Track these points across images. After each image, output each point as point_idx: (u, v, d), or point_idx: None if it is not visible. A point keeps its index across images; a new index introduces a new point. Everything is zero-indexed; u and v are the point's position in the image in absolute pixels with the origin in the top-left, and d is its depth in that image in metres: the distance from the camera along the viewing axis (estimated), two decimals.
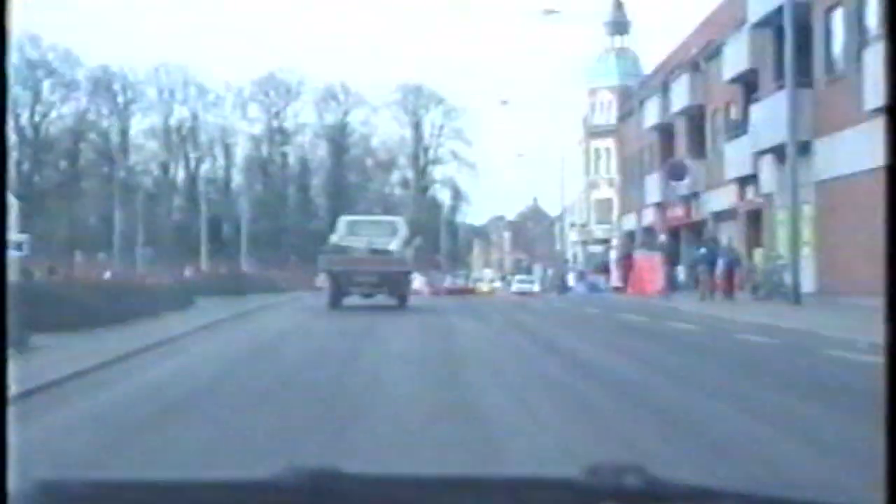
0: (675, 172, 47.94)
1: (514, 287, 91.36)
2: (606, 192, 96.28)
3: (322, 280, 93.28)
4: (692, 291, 44.71)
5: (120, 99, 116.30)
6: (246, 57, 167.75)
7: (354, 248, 31.27)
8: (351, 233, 32.78)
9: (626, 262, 56.48)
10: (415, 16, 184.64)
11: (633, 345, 20.72)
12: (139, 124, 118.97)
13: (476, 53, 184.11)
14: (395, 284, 31.76)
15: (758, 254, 43.07)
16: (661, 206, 61.14)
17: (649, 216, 62.31)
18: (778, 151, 36.99)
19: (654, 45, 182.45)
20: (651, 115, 61.57)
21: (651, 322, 28.12)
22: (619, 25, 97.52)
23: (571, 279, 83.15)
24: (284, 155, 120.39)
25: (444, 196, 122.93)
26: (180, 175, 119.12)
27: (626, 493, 1.63)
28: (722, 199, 50.56)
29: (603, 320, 30.30)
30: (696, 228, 55.14)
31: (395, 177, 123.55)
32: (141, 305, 26.83)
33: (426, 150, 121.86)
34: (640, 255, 49.16)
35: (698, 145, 55.28)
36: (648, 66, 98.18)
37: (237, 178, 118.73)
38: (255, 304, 37.91)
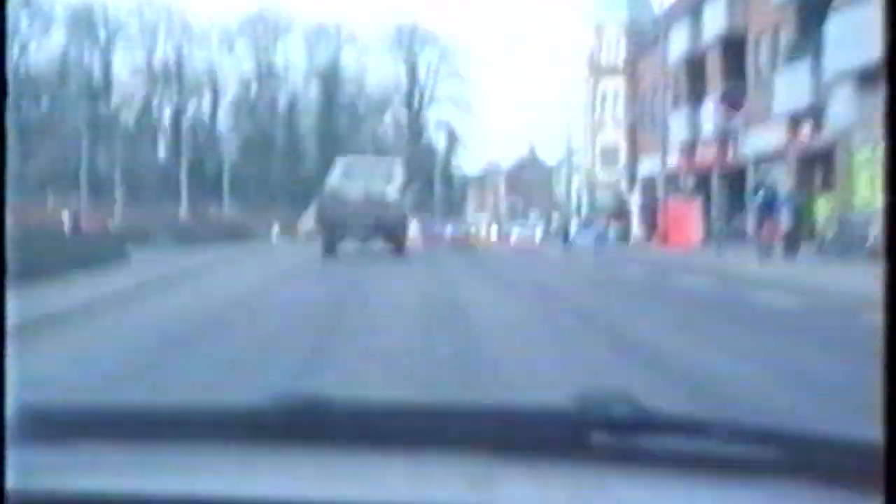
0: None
1: (514, 236, 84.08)
2: (612, 135, 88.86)
3: (306, 225, 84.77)
4: (733, 244, 37.94)
5: (102, 34, 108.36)
6: None
7: (350, 193, 30.33)
8: (347, 174, 31.73)
9: (656, 209, 49.26)
10: None
11: (757, 341, 12.95)
12: (122, 61, 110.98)
13: None
14: (392, 230, 30.77)
15: (822, 203, 35.73)
16: (686, 148, 53.74)
17: (673, 159, 54.81)
18: (862, 76, 29.53)
19: None
20: (678, 44, 53.94)
21: (726, 291, 20.71)
22: None
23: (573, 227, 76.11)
24: (273, 95, 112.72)
25: (439, 140, 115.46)
26: (165, 115, 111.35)
27: (615, 423, 1.62)
28: (767, 138, 43.15)
29: (660, 287, 22.81)
30: (733, 173, 47.81)
31: (389, 119, 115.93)
32: (59, 260, 19.66)
33: (421, 91, 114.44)
34: (674, 203, 41.79)
35: (737, 76, 47.79)
36: (660, 1, 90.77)
37: (223, 119, 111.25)
38: (212, 255, 30.58)
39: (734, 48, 48.25)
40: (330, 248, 31.02)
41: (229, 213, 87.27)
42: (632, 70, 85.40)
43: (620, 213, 61.88)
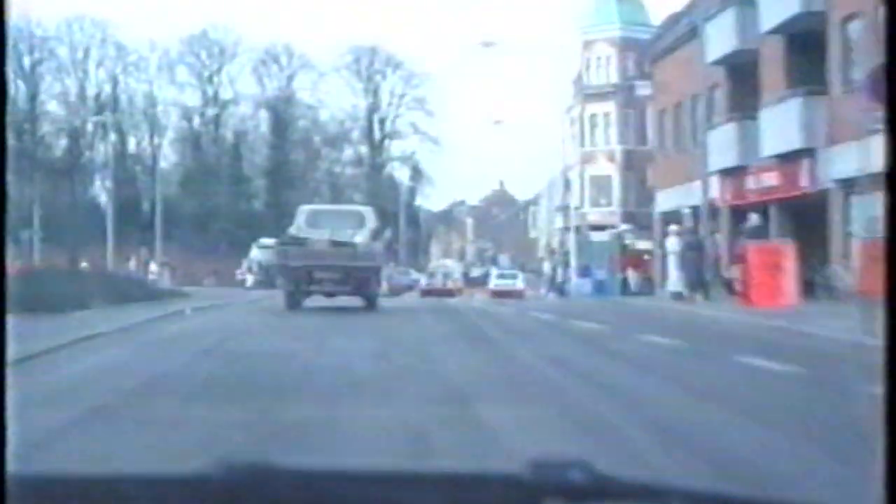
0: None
1: (494, 284, 70.72)
2: (605, 167, 75.74)
3: (246, 274, 70.17)
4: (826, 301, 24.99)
5: (27, 60, 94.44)
6: (173, 10, 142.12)
7: (315, 241, 27.37)
8: (312, 224, 28.49)
9: (715, 254, 36.05)
10: None
11: None
12: (50, 89, 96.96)
13: (440, 5, 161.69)
14: (362, 282, 27.79)
15: None
16: (735, 174, 40.45)
17: (712, 187, 41.35)
18: None
19: None
20: (720, 41, 40.25)
21: None
22: None
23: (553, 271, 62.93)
24: (218, 127, 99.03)
25: (402, 176, 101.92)
26: (97, 148, 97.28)
27: (570, 489, 1.58)
28: (855, 158, 29.52)
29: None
30: (807, 205, 34.58)
31: (347, 153, 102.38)
32: None
33: (382, 122, 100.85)
34: (757, 247, 28.23)
35: (810, 75, 34.42)
36: (657, 15, 77.64)
37: (162, 154, 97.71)
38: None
39: (806, 38, 34.90)
40: (294, 303, 28.20)
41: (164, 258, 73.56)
42: (628, 94, 72.45)
43: (639, 258, 48.50)
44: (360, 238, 27.94)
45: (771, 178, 37.15)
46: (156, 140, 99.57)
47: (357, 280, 27.71)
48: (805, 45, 34.92)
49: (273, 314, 26.64)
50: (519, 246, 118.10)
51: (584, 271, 60.32)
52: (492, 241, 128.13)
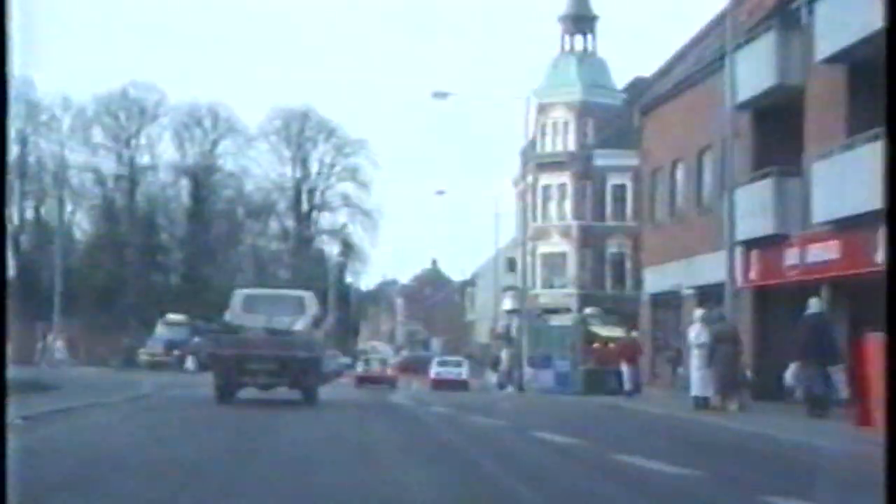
0: None
1: (435, 371, 61.36)
2: (559, 244, 66.85)
3: (148, 352, 60.12)
4: None
5: None
6: (89, 67, 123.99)
7: (249, 328, 25.34)
8: (248, 309, 26.00)
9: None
10: (303, 22, 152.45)
11: None
12: None
13: (380, 64, 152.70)
14: (300, 375, 25.11)
15: None
16: (764, 245, 31.51)
17: (729, 262, 32.08)
18: None
19: (622, 50, 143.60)
20: (750, 76, 31.08)
21: None
22: (582, 21, 68.39)
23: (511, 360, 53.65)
24: (133, 195, 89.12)
25: (331, 251, 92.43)
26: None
27: None
28: None
29: None
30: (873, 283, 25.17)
31: (272, 226, 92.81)
32: None
33: (311, 192, 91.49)
34: (873, 339, 18.99)
35: (879, 116, 25.30)
36: (620, 78, 69.48)
37: (71, 223, 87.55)
38: None
39: (869, 67, 25.94)
40: (225, 395, 25.19)
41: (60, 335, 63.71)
42: (586, 164, 64.00)
43: (633, 350, 39.30)
44: (300, 326, 26.12)
45: (826, 251, 28.18)
46: (68, 206, 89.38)
47: (295, 372, 25.45)
48: (873, 78, 26.04)
49: (167, 422, 17.68)
50: (453, 329, 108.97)
51: (544, 362, 51.08)
52: (423, 324, 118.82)
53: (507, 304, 72.94)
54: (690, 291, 35.97)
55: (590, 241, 66.37)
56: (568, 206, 66.85)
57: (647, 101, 43.08)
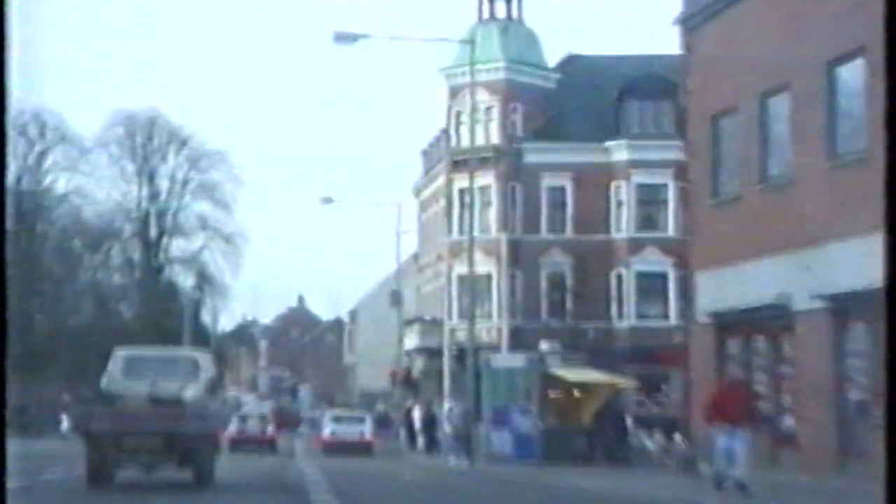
0: None
1: (329, 430, 45.80)
2: (480, 263, 51.64)
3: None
4: None
5: None
6: None
7: (129, 397, 22.10)
8: (129, 374, 22.76)
9: None
10: (149, 8, 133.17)
11: None
12: None
13: (242, 63, 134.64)
14: (192, 452, 22.04)
15: None
16: None
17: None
18: None
19: (555, 19, 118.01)
20: None
21: None
22: None
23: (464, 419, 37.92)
24: None
25: (185, 283, 75.87)
26: None
27: None
28: None
29: None
30: None
31: (115, 256, 75.82)
32: None
33: (161, 215, 74.84)
34: None
35: None
36: (553, 54, 55.14)
37: None
38: None
39: None
40: (99, 477, 21.95)
41: None
42: (515, 161, 49.45)
43: (747, 398, 23.85)
44: (192, 393, 22.56)
45: None
46: None
47: (185, 449, 22.09)
48: None
49: None
50: (325, 375, 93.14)
51: (498, 418, 35.87)
52: (290, 369, 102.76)
53: (412, 340, 57.45)
54: (816, 304, 20.98)
55: (521, 259, 51.40)
56: (492, 214, 51.81)
57: (692, 14, 27.53)
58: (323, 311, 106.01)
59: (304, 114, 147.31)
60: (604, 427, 39.18)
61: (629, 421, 40.39)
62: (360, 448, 44.38)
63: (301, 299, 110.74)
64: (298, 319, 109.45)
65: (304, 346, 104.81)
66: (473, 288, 51.33)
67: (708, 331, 27.00)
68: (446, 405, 38.78)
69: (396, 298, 79.20)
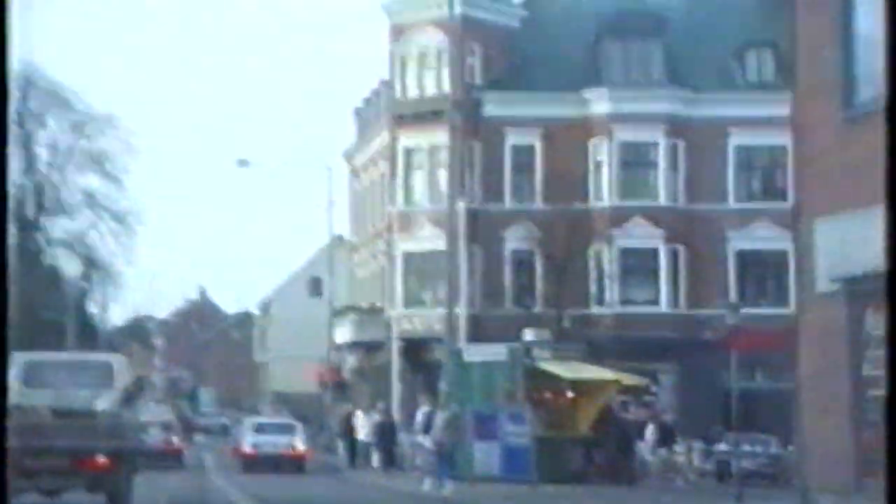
0: None
1: (251, 441, 37.26)
2: (432, 237, 43.41)
3: None
4: None
5: None
6: None
7: (32, 412, 19.88)
8: (31, 382, 20.80)
9: None
10: None
11: None
12: None
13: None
14: (104, 475, 19.95)
15: None
16: None
17: None
18: None
19: None
20: None
21: None
22: None
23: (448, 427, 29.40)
24: None
25: (69, 269, 66.54)
26: None
27: None
28: None
29: None
30: None
31: None
32: None
33: (39, 189, 65.57)
34: None
35: None
36: None
37: None
38: None
39: None
40: None
41: None
42: (472, 114, 41.49)
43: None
44: (105, 403, 20.51)
45: None
46: None
47: (96, 470, 20.06)
48: None
49: None
50: (231, 375, 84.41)
51: (486, 426, 27.62)
52: (189, 369, 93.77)
53: (344, 334, 48.76)
54: None
55: (481, 233, 43.15)
56: (445, 179, 43.48)
57: None
58: (228, 303, 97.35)
59: (210, 67, 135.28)
60: (604, 436, 31.27)
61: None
62: (291, 463, 36.69)
63: (203, 291, 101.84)
64: (200, 313, 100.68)
65: (207, 344, 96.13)
66: (421, 269, 43.11)
67: (833, 304, 18.79)
68: (420, 411, 30.07)
69: (316, 287, 70.63)
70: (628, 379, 32.95)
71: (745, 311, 43.50)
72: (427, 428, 26.49)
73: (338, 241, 67.84)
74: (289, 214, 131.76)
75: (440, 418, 25.18)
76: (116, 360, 23.72)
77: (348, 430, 36.59)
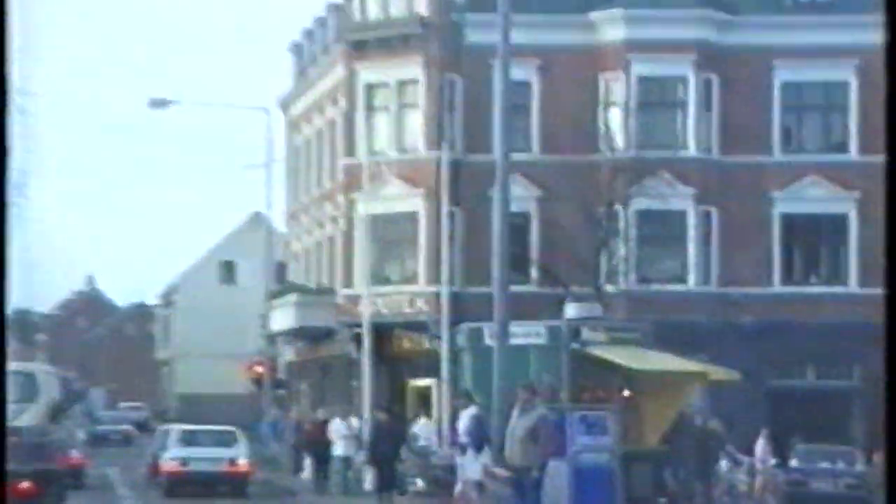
0: None
1: (177, 455, 28.71)
2: (401, 195, 35.25)
3: None
4: None
5: None
6: None
7: None
8: None
9: None
10: None
11: None
12: None
13: None
14: (27, 497, 19.29)
15: None
16: None
17: None
18: None
19: None
20: None
21: None
22: None
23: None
24: None
25: None
26: None
27: None
28: None
29: None
30: None
31: None
32: None
33: None
34: None
35: None
36: None
37: None
38: None
39: None
40: None
41: None
42: (450, 40, 33.87)
43: None
44: (30, 419, 21.04)
45: None
46: None
47: (19, 498, 19.26)
48: None
49: None
50: (127, 375, 75.80)
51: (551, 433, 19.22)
52: (77, 368, 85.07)
53: (282, 320, 40.07)
54: None
55: (463, 191, 34.96)
56: (418, 123, 35.28)
57: None
58: (120, 295, 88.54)
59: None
60: (681, 451, 23.37)
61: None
62: (229, 482, 28.88)
63: (91, 280, 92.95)
64: (88, 306, 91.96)
65: (97, 340, 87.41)
66: (386, 236, 35.11)
67: None
68: (468, 414, 20.56)
69: (229, 271, 62.27)
70: (717, 372, 25.02)
71: (792, 289, 36.42)
72: (478, 441, 17.88)
73: (255, 218, 59.55)
74: (195, 189, 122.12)
75: (520, 427, 16.55)
76: (40, 371, 23.42)
77: (314, 442, 28.00)
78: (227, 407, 51.79)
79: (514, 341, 22.83)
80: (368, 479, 25.43)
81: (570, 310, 24.73)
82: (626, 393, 23.47)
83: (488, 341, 23.10)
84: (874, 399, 33.23)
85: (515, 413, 16.33)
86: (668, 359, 24.45)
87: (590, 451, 18.95)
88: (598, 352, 22.88)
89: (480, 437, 17.55)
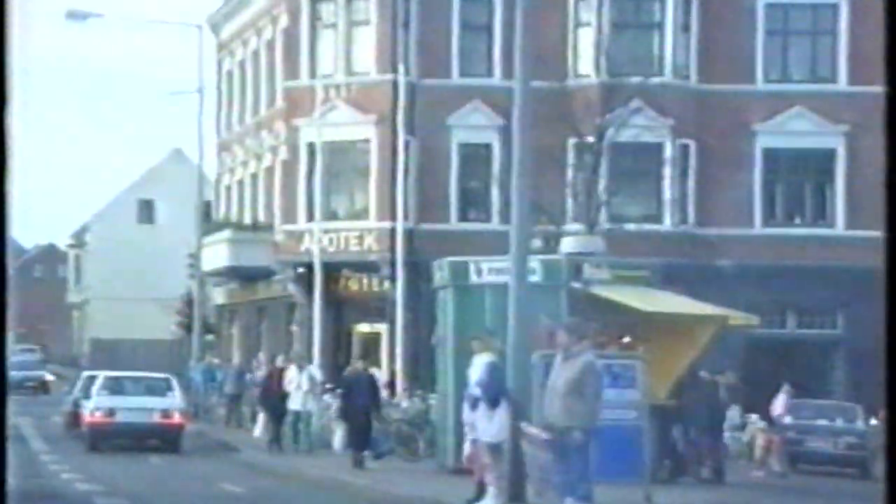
0: None
1: (102, 405, 25.84)
2: (349, 126, 32.20)
3: None
4: None
5: None
6: None
7: None
8: None
9: None
10: None
11: None
12: None
13: None
14: None
15: None
16: None
17: None
18: None
19: None
20: None
21: None
22: None
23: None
24: None
25: None
26: None
27: None
28: None
29: None
30: None
31: None
32: None
33: None
34: None
35: None
36: None
37: None
38: None
39: None
40: None
41: None
42: None
43: None
44: None
45: None
46: None
47: None
48: None
49: None
50: (35, 319, 71.86)
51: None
52: None
53: (215, 259, 36.85)
54: None
55: (418, 117, 31.98)
56: (369, 41, 32.18)
57: None
58: (28, 235, 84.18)
59: None
60: (693, 407, 20.73)
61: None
62: (161, 436, 25.83)
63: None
64: None
65: None
66: (336, 168, 32.22)
67: None
68: (481, 360, 17.23)
69: (148, 210, 58.94)
70: (737, 316, 22.31)
71: (774, 230, 33.86)
72: (494, 395, 14.74)
73: (176, 154, 56.37)
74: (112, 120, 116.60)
75: (562, 378, 13.47)
76: None
77: (269, 395, 24.85)
78: (146, 352, 48.54)
79: (502, 278, 19.96)
80: (337, 437, 22.56)
81: (568, 244, 21.85)
82: (626, 339, 20.67)
83: (475, 278, 20.18)
84: (859, 349, 30.65)
85: (558, 361, 13.43)
86: (683, 300, 21.75)
87: (614, 406, 16.08)
88: (601, 292, 20.06)
89: (498, 391, 14.59)
